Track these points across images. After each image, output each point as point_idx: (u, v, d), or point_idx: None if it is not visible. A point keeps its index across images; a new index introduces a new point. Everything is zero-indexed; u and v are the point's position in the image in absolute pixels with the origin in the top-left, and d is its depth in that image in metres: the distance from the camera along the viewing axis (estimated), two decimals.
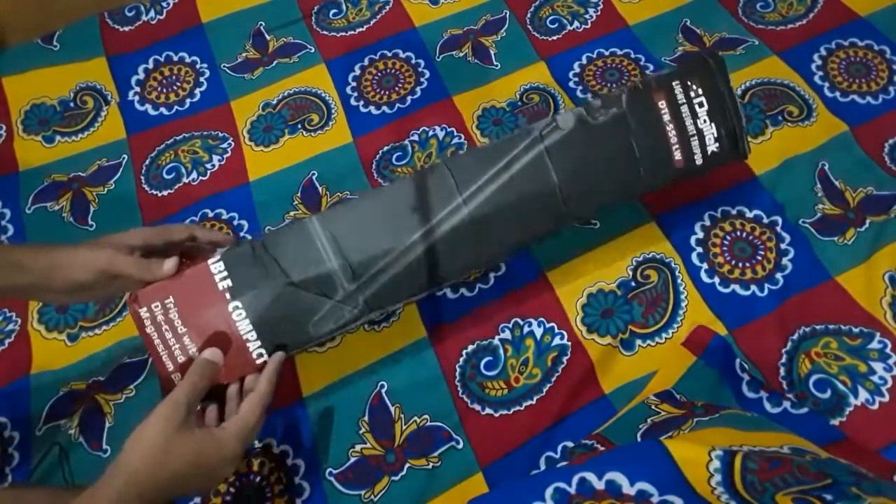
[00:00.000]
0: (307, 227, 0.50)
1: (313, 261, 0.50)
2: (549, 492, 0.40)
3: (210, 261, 0.49)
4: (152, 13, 0.87)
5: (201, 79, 0.81)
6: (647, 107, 0.55)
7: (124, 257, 0.47)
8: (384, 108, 0.77)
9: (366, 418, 0.58)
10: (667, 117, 0.56)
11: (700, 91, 0.57)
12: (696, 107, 0.57)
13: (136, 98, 0.80)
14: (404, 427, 0.57)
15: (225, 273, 0.49)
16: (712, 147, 0.56)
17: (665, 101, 0.56)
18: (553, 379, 0.58)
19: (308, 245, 0.50)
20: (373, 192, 0.57)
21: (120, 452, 0.41)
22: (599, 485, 0.39)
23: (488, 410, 0.57)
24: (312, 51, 0.83)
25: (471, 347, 0.60)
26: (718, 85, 0.57)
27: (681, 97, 0.56)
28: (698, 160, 0.56)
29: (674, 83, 0.56)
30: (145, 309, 0.48)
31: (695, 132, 0.56)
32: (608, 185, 0.56)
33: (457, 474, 0.55)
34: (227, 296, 0.49)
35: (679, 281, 0.62)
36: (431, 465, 0.55)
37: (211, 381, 0.47)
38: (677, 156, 0.56)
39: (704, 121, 0.56)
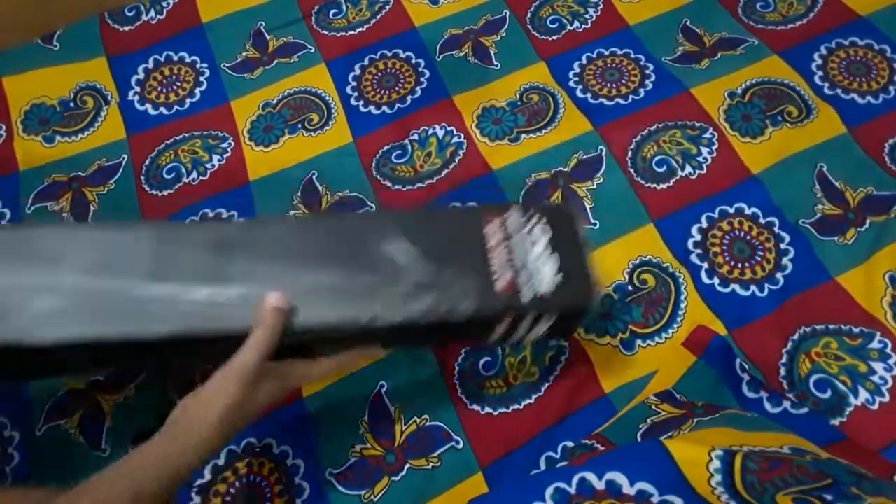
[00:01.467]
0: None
1: None
2: (549, 492, 0.40)
3: None
4: (152, 13, 0.87)
5: (201, 78, 0.81)
6: (473, 232, 0.50)
7: None
8: (384, 107, 0.77)
9: (366, 418, 0.58)
10: (491, 243, 0.49)
11: (546, 226, 0.50)
12: (536, 239, 0.50)
13: (136, 98, 0.80)
14: (404, 427, 0.57)
15: None
16: (543, 288, 0.48)
17: (496, 225, 0.50)
18: (551, 378, 0.58)
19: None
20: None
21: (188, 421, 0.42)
22: (599, 485, 0.39)
23: (487, 409, 0.57)
24: (312, 50, 0.83)
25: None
26: (569, 230, 0.51)
27: (515, 225, 0.50)
28: (524, 296, 0.48)
29: (510, 210, 0.51)
30: None
31: (524, 265, 0.49)
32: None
33: (457, 474, 0.55)
34: None
35: (679, 281, 0.62)
36: (431, 465, 0.55)
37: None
38: (500, 284, 0.48)
39: (543, 258, 0.49)
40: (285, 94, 0.79)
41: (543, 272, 0.49)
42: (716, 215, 0.66)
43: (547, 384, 0.58)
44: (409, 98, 0.78)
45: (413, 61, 0.81)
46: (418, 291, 0.47)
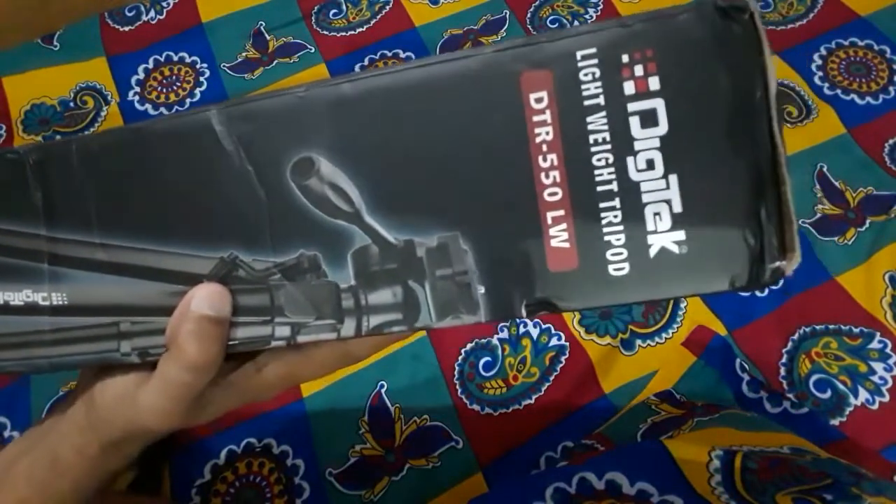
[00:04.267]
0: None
1: None
2: (549, 492, 0.40)
3: None
4: (152, 13, 0.87)
5: (201, 79, 0.81)
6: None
7: None
8: None
9: (366, 418, 0.58)
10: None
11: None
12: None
13: (136, 98, 0.80)
14: (404, 427, 0.57)
15: None
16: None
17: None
18: (552, 378, 0.58)
19: None
20: None
21: None
22: (599, 485, 0.39)
23: (487, 410, 0.57)
24: (313, 51, 0.83)
25: (469, 346, 0.60)
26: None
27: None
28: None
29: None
30: None
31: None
32: None
33: (457, 474, 0.55)
34: None
35: None
36: (431, 465, 0.55)
37: None
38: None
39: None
40: None
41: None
42: None
43: (547, 384, 0.58)
44: None
45: None
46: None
